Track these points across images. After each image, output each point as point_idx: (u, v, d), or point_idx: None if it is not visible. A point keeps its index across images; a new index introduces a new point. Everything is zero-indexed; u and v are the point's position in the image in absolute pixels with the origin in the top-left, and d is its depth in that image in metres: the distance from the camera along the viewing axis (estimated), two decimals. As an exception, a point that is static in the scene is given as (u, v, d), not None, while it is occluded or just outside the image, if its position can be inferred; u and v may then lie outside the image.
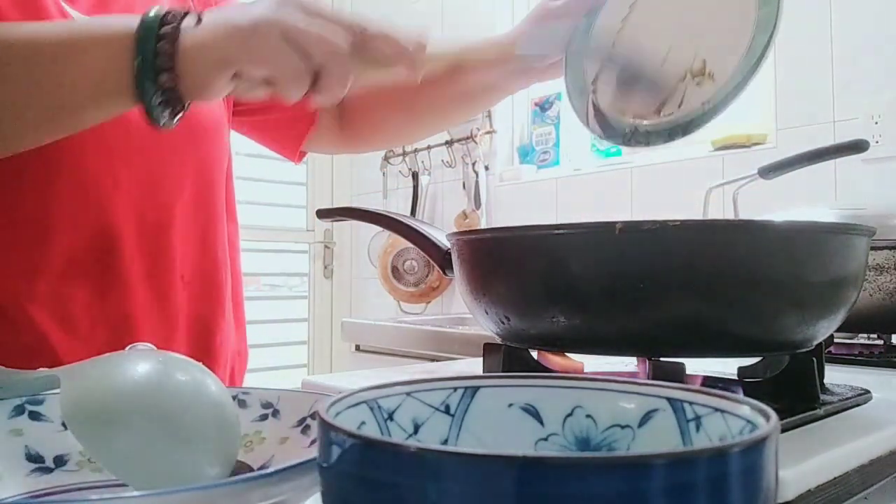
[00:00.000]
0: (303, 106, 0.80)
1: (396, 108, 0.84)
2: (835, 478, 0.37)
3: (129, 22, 0.50)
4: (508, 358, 0.53)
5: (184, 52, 0.49)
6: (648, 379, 0.40)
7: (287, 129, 0.84)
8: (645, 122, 0.68)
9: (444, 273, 0.60)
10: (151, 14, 0.50)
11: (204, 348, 0.71)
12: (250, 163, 2.65)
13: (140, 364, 0.35)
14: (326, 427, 0.22)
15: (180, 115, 0.52)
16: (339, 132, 0.87)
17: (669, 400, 0.28)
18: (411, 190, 2.37)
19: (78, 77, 0.50)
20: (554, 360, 0.57)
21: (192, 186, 0.69)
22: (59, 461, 0.37)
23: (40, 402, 0.39)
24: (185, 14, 0.51)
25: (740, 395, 0.26)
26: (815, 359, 0.47)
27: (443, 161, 2.29)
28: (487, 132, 2.21)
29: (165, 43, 0.49)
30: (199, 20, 0.51)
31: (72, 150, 0.60)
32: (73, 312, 0.61)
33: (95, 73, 0.50)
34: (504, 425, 0.30)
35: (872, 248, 0.58)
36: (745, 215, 1.30)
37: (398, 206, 2.40)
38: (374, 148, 0.98)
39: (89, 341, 0.62)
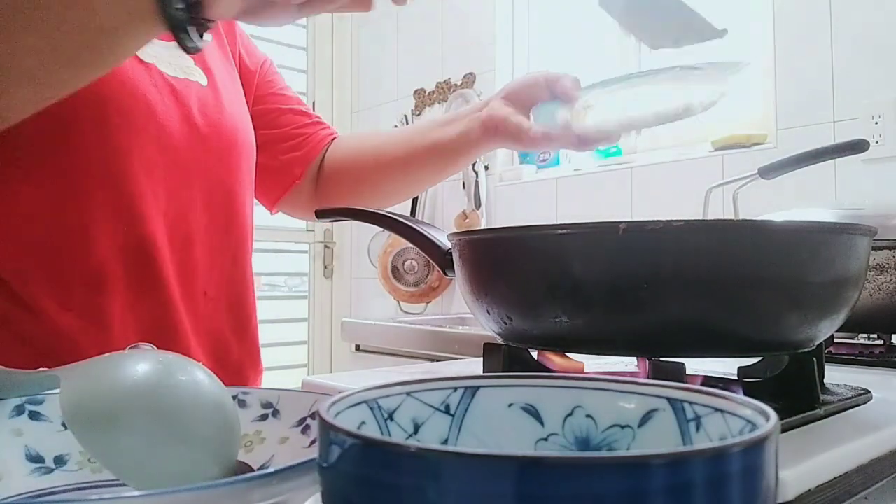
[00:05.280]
0: (291, 162, 0.86)
1: (370, 178, 0.88)
2: (835, 478, 0.37)
3: None
4: (508, 358, 0.53)
5: None
6: (648, 379, 0.40)
7: (271, 179, 0.86)
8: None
9: (445, 273, 0.60)
10: None
11: (220, 364, 0.71)
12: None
13: (140, 364, 0.35)
14: (326, 427, 0.22)
15: (204, 33, 0.51)
16: (314, 198, 0.90)
17: (669, 400, 0.28)
18: (411, 190, 2.37)
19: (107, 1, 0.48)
20: (554, 360, 0.57)
21: (219, 203, 0.71)
22: (59, 461, 0.37)
23: (40, 402, 0.39)
24: None
25: (740, 395, 0.26)
26: (815, 359, 0.47)
27: (443, 161, 2.29)
28: (487, 132, 2.21)
29: None
30: None
31: (115, 160, 0.61)
32: (107, 322, 0.62)
33: None
34: (504, 425, 0.30)
35: (873, 248, 0.58)
36: (745, 215, 1.30)
37: (398, 206, 2.40)
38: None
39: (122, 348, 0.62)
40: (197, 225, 0.69)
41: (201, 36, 0.50)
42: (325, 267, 2.74)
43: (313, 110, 0.92)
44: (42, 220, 0.60)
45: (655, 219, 0.41)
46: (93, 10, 0.48)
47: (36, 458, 0.37)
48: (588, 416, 0.29)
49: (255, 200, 0.88)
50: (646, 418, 0.28)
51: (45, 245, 0.60)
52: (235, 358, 0.73)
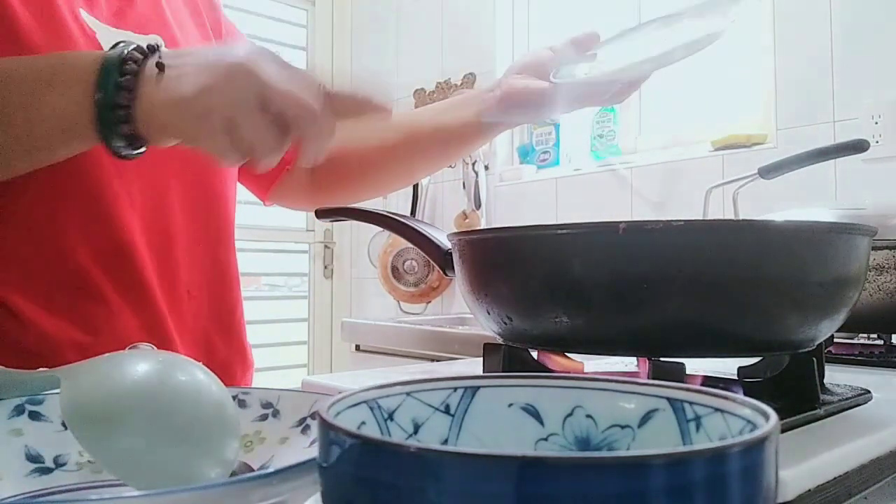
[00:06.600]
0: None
1: (368, 165, 0.83)
2: (835, 478, 0.37)
3: (94, 58, 0.50)
4: (508, 358, 0.53)
5: (141, 100, 0.49)
6: (648, 379, 0.40)
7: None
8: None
9: (445, 273, 0.60)
10: (115, 53, 0.50)
11: (207, 363, 0.70)
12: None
13: (140, 364, 0.35)
14: (326, 427, 0.22)
15: (142, 150, 0.53)
16: (310, 186, 0.87)
17: (669, 400, 0.28)
18: (411, 190, 2.37)
19: (46, 115, 0.51)
20: (554, 360, 0.57)
21: (198, 201, 0.70)
22: (59, 461, 0.37)
23: (40, 402, 0.39)
24: (148, 53, 0.51)
25: (740, 395, 0.26)
26: (815, 359, 0.47)
27: (443, 161, 2.29)
28: (487, 132, 2.21)
29: (125, 84, 0.49)
30: (161, 68, 0.50)
31: (84, 165, 0.60)
32: (92, 325, 0.62)
33: (61, 111, 0.51)
34: (504, 425, 0.30)
35: (873, 248, 0.58)
36: (745, 215, 1.30)
37: (398, 206, 2.40)
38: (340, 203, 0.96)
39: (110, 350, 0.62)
40: (175, 224, 0.68)
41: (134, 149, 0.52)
42: (325, 267, 2.74)
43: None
44: (18, 228, 0.60)
45: (655, 219, 0.41)
46: (30, 132, 0.51)
47: (36, 458, 0.37)
48: (588, 416, 0.29)
49: (251, 195, 0.86)
50: (646, 418, 0.28)
51: (23, 252, 0.60)
52: (222, 356, 0.73)
